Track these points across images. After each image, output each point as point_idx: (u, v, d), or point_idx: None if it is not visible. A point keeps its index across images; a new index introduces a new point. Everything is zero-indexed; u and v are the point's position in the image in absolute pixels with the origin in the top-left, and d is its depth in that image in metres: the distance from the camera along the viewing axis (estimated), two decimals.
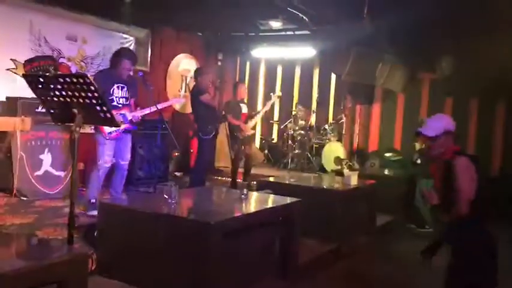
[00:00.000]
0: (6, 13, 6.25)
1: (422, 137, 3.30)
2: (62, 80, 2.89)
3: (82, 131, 3.08)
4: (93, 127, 5.03)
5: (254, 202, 4.43)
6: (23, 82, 3.16)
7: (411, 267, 4.79)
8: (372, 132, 9.58)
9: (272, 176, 6.94)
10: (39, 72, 5.52)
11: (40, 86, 2.98)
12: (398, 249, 5.76)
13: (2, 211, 4.94)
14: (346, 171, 6.79)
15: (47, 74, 3.05)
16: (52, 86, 2.93)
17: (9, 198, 5.47)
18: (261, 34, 9.25)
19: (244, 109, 7.20)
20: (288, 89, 10.23)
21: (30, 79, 3.05)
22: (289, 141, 9.41)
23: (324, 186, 5.83)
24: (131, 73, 5.27)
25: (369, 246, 5.64)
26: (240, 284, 3.70)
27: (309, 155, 9.21)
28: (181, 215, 3.73)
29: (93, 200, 4.94)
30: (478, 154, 7.14)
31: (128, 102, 5.19)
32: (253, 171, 7.51)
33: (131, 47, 7.72)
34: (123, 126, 5.03)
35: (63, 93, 2.93)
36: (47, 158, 5.85)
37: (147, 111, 5.30)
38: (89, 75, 2.96)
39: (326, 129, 9.25)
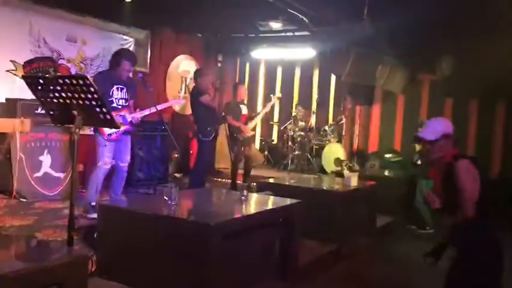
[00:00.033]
0: (6, 14, 6.23)
1: (422, 140, 3.28)
2: (61, 82, 2.89)
3: (82, 132, 3.08)
4: (92, 128, 5.02)
5: (254, 203, 4.43)
6: (22, 83, 3.17)
7: (411, 269, 4.77)
8: (371, 133, 9.55)
9: (272, 177, 6.95)
10: (38, 73, 5.53)
11: (40, 88, 2.98)
12: (399, 251, 5.75)
13: (1, 213, 4.94)
14: (346, 172, 6.80)
15: (47, 75, 3.04)
16: (52, 88, 2.92)
17: (9, 199, 5.47)
18: (260, 35, 9.23)
19: (244, 110, 7.20)
20: (287, 90, 10.21)
21: (30, 80, 3.05)
22: (289, 143, 9.40)
23: (324, 188, 5.83)
24: (131, 74, 5.26)
25: (369, 248, 5.63)
26: (240, 285, 3.70)
27: (309, 156, 9.20)
28: (181, 216, 3.73)
29: (93, 203, 4.92)
30: (478, 155, 7.17)
31: (127, 104, 5.18)
32: (253, 172, 7.51)
33: (131, 48, 7.71)
34: (122, 128, 5.02)
35: (63, 94, 2.93)
36: (46, 159, 5.85)
37: (146, 112, 5.28)
38: (88, 77, 2.95)
39: (326, 130, 9.23)
